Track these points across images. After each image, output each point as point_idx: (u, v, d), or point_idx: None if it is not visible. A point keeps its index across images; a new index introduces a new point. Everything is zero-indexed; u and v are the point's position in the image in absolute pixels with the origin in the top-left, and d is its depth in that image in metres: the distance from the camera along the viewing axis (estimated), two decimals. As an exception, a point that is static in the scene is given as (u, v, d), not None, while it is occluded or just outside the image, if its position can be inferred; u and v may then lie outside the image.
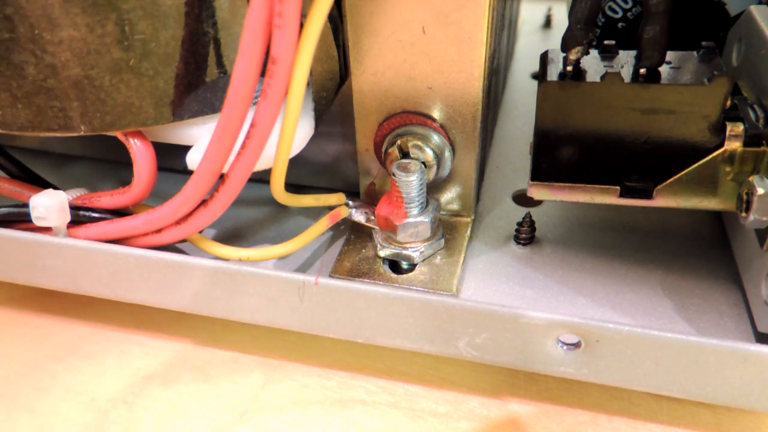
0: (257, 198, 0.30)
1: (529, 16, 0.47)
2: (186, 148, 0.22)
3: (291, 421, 0.24)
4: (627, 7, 0.26)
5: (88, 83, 0.20)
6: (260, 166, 0.21)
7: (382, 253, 0.25)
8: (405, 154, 0.25)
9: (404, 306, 0.22)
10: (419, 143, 0.24)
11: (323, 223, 0.26)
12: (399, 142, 0.25)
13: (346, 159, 0.28)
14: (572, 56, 0.21)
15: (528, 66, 0.40)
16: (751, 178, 0.20)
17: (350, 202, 0.27)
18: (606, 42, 0.23)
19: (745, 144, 0.21)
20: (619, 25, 0.27)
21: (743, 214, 0.21)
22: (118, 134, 0.22)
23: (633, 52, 0.22)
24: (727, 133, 0.21)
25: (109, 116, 0.21)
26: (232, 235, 0.28)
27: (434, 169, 0.25)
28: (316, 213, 0.28)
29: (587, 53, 0.22)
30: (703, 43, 0.22)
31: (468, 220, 0.27)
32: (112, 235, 0.24)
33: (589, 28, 0.21)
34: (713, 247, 0.26)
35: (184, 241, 0.25)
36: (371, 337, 0.23)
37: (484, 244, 0.27)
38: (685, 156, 0.21)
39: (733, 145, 0.21)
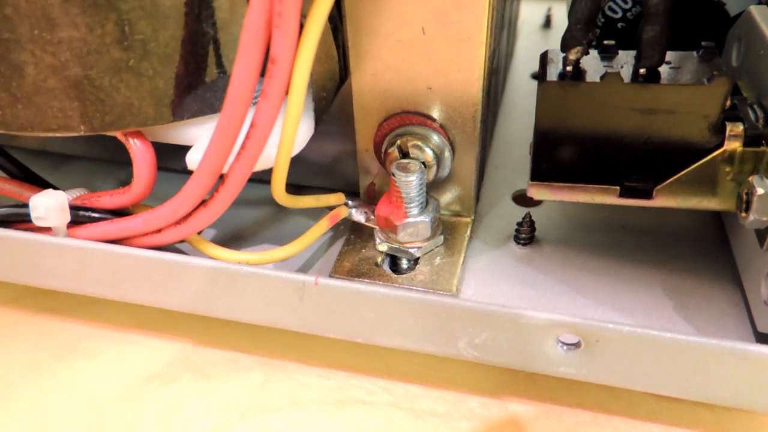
0: (257, 198, 0.29)
1: (529, 16, 0.47)
2: (186, 148, 0.22)
3: (291, 420, 0.24)
4: (627, 7, 0.26)
5: (88, 83, 0.20)
6: (260, 166, 0.21)
7: (381, 247, 0.25)
8: (405, 154, 0.25)
9: (404, 306, 0.22)
10: (419, 143, 0.24)
11: (323, 224, 0.26)
12: (399, 142, 0.25)
13: (346, 159, 0.28)
14: (572, 56, 0.21)
15: (528, 66, 0.40)
16: (750, 178, 0.20)
17: (350, 202, 0.27)
18: (606, 42, 0.23)
19: (745, 144, 0.21)
20: (619, 25, 0.27)
21: (743, 214, 0.21)
22: (118, 134, 0.22)
23: (633, 52, 0.22)
24: (727, 133, 0.21)
25: (109, 116, 0.21)
26: (232, 235, 0.28)
27: (434, 169, 0.25)
28: (316, 213, 0.28)
29: (587, 53, 0.22)
30: (703, 43, 0.22)
31: (468, 220, 0.27)
32: (112, 235, 0.24)
33: (588, 28, 0.21)
34: (713, 247, 0.26)
35: (183, 241, 0.25)
36: (371, 337, 0.23)
37: (484, 244, 0.27)
38: (684, 156, 0.21)
39: (733, 145, 0.21)
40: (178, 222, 0.23)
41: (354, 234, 0.27)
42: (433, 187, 0.26)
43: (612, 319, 0.22)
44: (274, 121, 0.20)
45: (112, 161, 0.33)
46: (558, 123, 0.22)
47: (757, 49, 0.23)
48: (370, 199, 0.28)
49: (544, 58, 0.23)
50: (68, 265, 0.24)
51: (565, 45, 0.21)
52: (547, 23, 0.46)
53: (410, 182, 0.24)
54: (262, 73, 0.19)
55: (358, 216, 0.27)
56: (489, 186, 0.30)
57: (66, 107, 0.21)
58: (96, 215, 0.24)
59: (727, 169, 0.21)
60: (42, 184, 0.27)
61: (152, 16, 0.20)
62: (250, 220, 0.29)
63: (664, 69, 0.21)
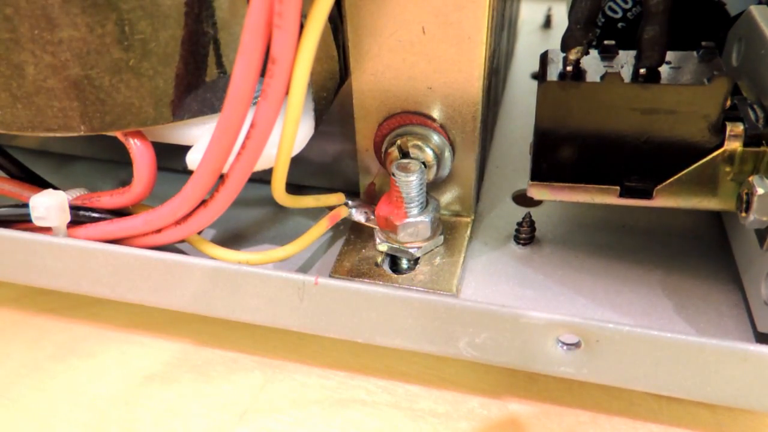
0: (257, 198, 0.29)
1: (529, 16, 0.47)
2: (186, 148, 0.22)
3: (291, 421, 0.24)
4: (627, 7, 0.26)
5: (88, 83, 0.20)
6: (260, 166, 0.21)
7: (381, 247, 0.25)
8: (405, 154, 0.25)
9: (404, 306, 0.22)
10: (419, 143, 0.24)
11: (323, 225, 0.26)
12: (399, 142, 0.25)
13: (346, 159, 0.28)
14: (572, 56, 0.21)
15: (528, 66, 0.40)
16: (750, 178, 0.20)
17: (350, 202, 0.27)
18: (606, 42, 0.23)
19: (745, 144, 0.21)
20: (619, 25, 0.27)
21: (743, 214, 0.21)
22: (118, 134, 0.22)
23: (633, 52, 0.22)
24: (727, 133, 0.21)
25: (109, 116, 0.21)
26: (232, 235, 0.28)
27: (434, 169, 0.25)
28: (316, 212, 0.28)
29: (587, 53, 0.22)
30: (703, 43, 0.22)
31: (468, 220, 0.27)
32: (112, 235, 0.24)
33: (589, 28, 0.21)
34: (713, 247, 0.26)
35: (183, 241, 0.25)
36: (371, 337, 0.23)
37: (484, 244, 0.27)
38: (685, 156, 0.21)
39: (733, 145, 0.21)
40: (178, 222, 0.23)
41: (354, 234, 0.27)
42: (433, 187, 0.26)
43: (612, 319, 0.22)
44: (274, 121, 0.20)
45: (112, 161, 0.33)
46: (558, 123, 0.22)
47: (758, 49, 0.23)
48: (370, 199, 0.28)
49: (544, 58, 0.23)
50: (68, 265, 0.24)
51: (565, 45, 0.21)
52: (547, 23, 0.46)
53: (410, 182, 0.24)
54: (262, 73, 0.19)
55: (358, 216, 0.27)
56: (489, 186, 0.30)
57: (66, 107, 0.21)
58: (96, 215, 0.24)
59: (727, 169, 0.21)
60: (42, 184, 0.27)
61: (152, 16, 0.20)
62: (250, 220, 0.29)
63: (664, 69, 0.21)
